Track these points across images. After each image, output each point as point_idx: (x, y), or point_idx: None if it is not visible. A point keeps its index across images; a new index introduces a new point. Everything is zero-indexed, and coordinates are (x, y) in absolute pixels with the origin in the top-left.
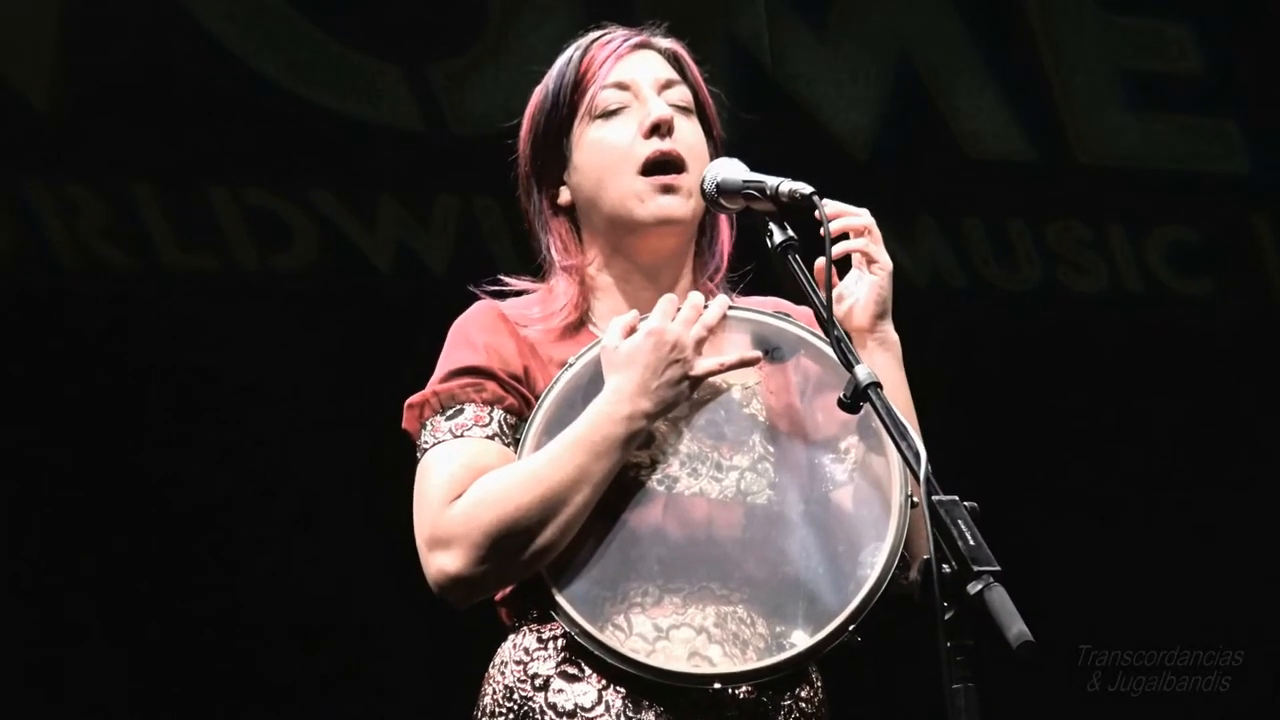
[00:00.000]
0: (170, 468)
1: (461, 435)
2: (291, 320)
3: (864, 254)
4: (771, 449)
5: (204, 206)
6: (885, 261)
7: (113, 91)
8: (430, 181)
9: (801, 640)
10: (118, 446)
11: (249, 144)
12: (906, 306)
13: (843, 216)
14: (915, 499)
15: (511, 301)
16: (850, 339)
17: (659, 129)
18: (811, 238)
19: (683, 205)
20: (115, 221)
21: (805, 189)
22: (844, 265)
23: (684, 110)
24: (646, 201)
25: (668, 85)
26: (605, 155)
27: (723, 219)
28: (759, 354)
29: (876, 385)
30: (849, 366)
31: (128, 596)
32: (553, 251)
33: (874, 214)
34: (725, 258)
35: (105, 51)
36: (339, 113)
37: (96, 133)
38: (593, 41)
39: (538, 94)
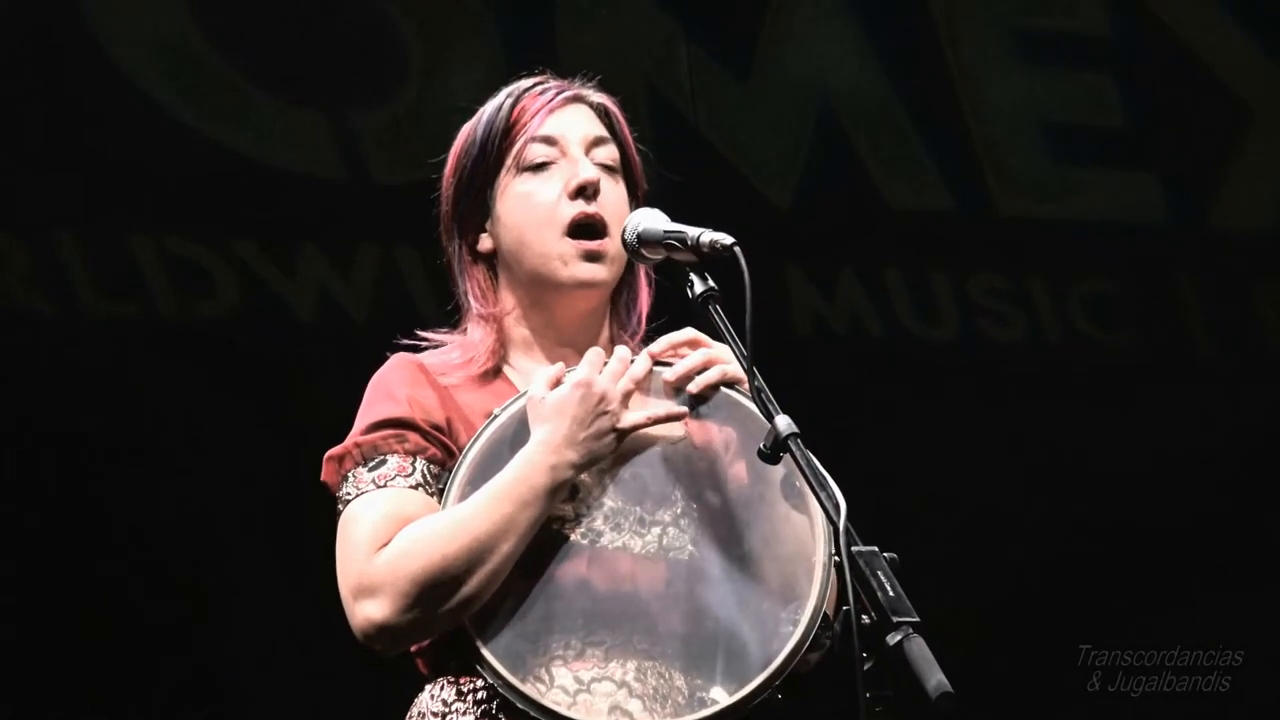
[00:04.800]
0: (91, 514)
1: (385, 485)
2: (212, 368)
3: (725, 379)
4: (695, 504)
5: (125, 254)
6: (741, 375)
7: (33, 138)
8: (351, 230)
9: (722, 697)
10: (36, 493)
11: (171, 192)
12: (829, 357)
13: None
14: (838, 558)
15: (429, 352)
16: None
17: (584, 191)
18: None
19: (604, 270)
20: (36, 269)
21: (726, 239)
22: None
23: (610, 170)
24: (570, 265)
25: (596, 144)
26: (529, 211)
27: (642, 281)
28: (685, 409)
29: (796, 436)
30: (769, 417)
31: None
32: (470, 298)
33: (795, 264)
34: (643, 320)
35: (25, 98)
36: (260, 161)
37: (17, 180)
38: (525, 91)
39: (465, 135)
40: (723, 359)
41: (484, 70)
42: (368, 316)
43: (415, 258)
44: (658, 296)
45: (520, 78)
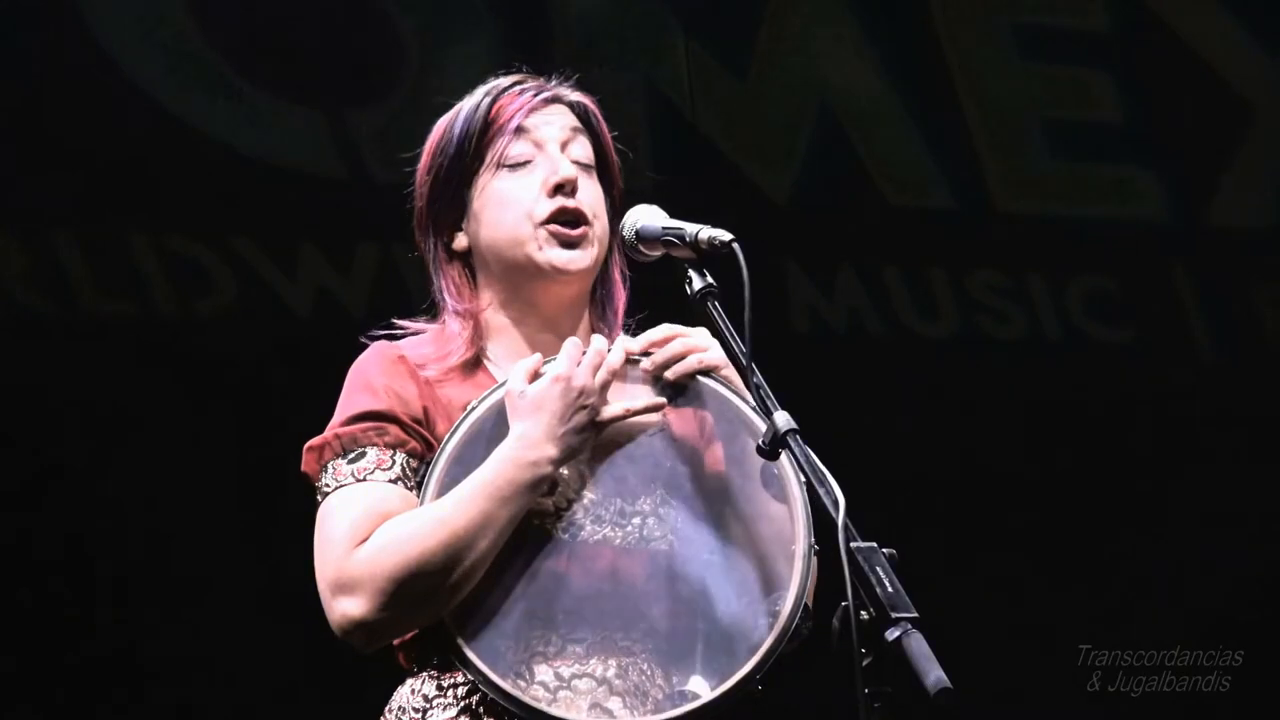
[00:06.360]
0: (88, 512)
1: (364, 479)
2: (210, 365)
3: (703, 367)
4: (674, 494)
5: (124, 252)
6: (721, 360)
7: (33, 137)
8: (351, 229)
9: (704, 691)
10: (33, 491)
11: (170, 191)
12: (826, 354)
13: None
14: (817, 547)
15: (408, 340)
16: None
17: (563, 189)
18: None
19: (581, 257)
20: (35, 267)
21: (724, 235)
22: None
23: (587, 169)
24: (545, 249)
25: (574, 142)
26: (507, 210)
27: (616, 276)
28: (663, 400)
29: (794, 432)
30: (767, 414)
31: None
32: (446, 295)
33: (794, 261)
34: (620, 314)
35: (25, 97)
36: (260, 159)
37: (17, 180)
38: (503, 90)
39: (440, 132)
40: (700, 347)
41: (483, 69)
42: (367, 315)
43: (414, 257)
44: (635, 291)
45: (497, 76)
